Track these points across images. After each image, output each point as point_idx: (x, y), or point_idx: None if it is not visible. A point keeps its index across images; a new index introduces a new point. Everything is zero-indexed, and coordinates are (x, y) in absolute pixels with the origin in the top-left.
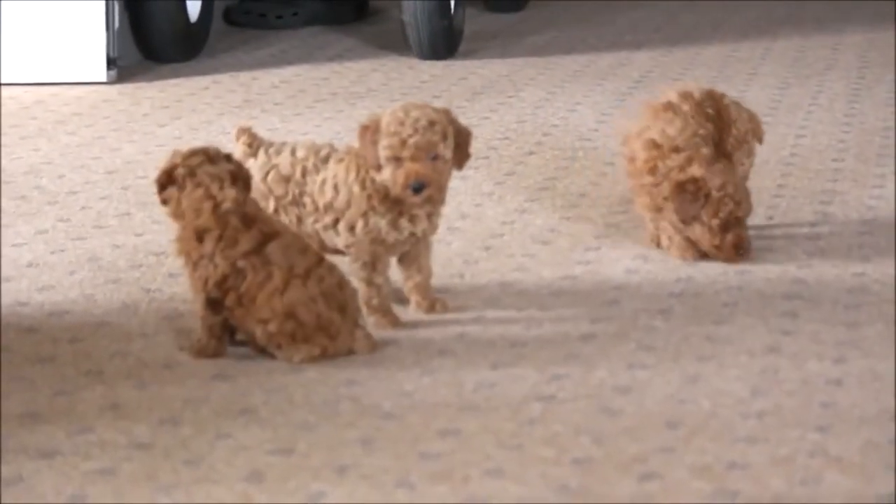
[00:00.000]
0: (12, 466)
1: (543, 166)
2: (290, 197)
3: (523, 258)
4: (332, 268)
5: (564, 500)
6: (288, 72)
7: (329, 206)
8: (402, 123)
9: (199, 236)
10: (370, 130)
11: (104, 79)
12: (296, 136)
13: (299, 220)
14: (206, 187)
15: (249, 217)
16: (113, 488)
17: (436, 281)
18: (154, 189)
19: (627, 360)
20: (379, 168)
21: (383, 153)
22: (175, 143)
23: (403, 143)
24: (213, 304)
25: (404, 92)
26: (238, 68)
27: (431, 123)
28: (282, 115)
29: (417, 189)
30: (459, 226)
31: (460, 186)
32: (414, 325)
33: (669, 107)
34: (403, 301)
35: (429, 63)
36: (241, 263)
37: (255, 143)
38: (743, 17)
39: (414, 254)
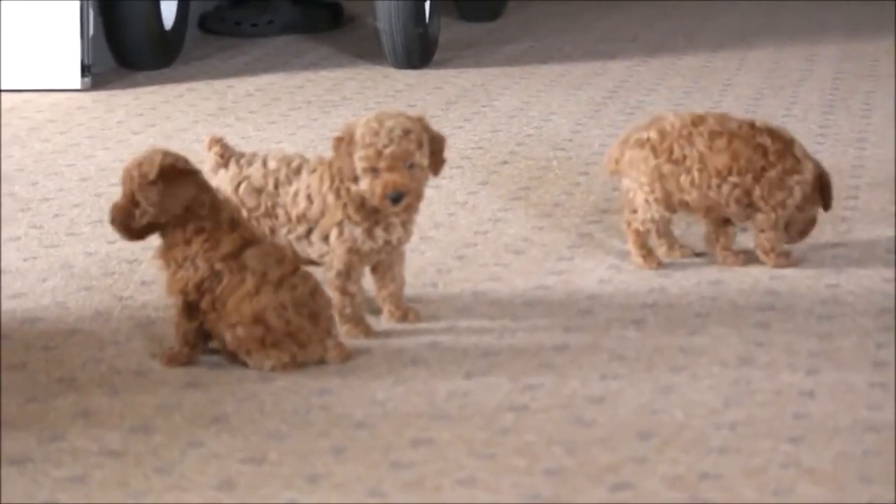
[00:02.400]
0: None
1: (517, 176)
2: (262, 209)
3: (496, 268)
4: (307, 277)
5: None
6: (263, 80)
7: (302, 217)
8: (376, 134)
9: (189, 238)
10: (344, 142)
11: (78, 86)
12: (270, 144)
13: (272, 231)
14: (211, 190)
15: (234, 221)
16: (84, 496)
17: (409, 290)
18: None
19: (600, 371)
20: (356, 179)
21: (359, 164)
22: None
23: (379, 153)
24: (190, 310)
25: (379, 100)
26: (213, 76)
27: (406, 132)
28: (256, 122)
29: (396, 199)
30: (433, 235)
31: (434, 196)
32: (386, 334)
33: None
34: (376, 311)
35: (403, 72)
36: (218, 266)
37: (226, 154)
38: (719, 28)
39: (387, 263)
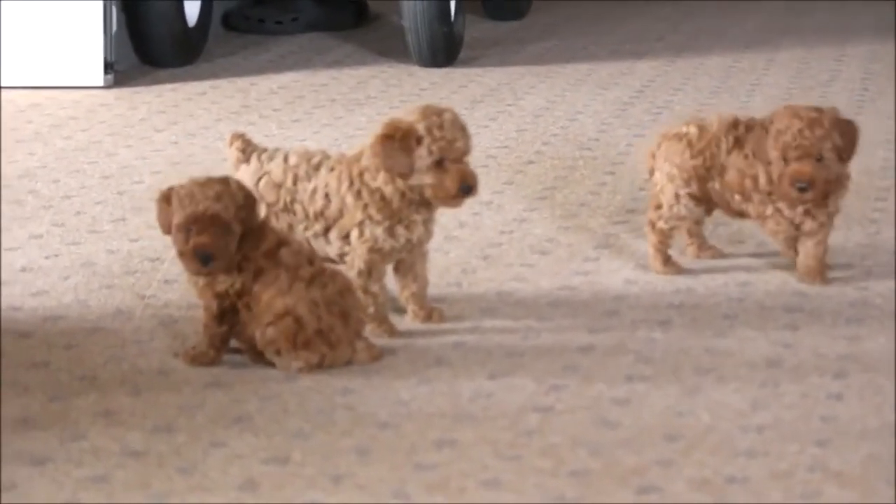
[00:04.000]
0: (5, 473)
1: (543, 175)
2: (281, 204)
3: (521, 268)
4: (336, 276)
5: None
6: (286, 77)
7: (319, 215)
8: (441, 127)
9: (239, 242)
10: (399, 138)
11: (101, 83)
12: (293, 142)
13: (290, 227)
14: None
15: (266, 223)
16: (106, 496)
17: (433, 290)
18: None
19: (626, 372)
20: (409, 176)
21: (428, 158)
22: (172, 148)
23: (451, 145)
24: (223, 314)
25: (403, 99)
26: (236, 74)
27: (464, 126)
28: (280, 121)
29: (467, 191)
30: (458, 235)
31: None
32: (410, 334)
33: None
34: (400, 310)
35: (428, 70)
36: (261, 263)
37: (247, 149)
38: (746, 27)
39: (409, 262)
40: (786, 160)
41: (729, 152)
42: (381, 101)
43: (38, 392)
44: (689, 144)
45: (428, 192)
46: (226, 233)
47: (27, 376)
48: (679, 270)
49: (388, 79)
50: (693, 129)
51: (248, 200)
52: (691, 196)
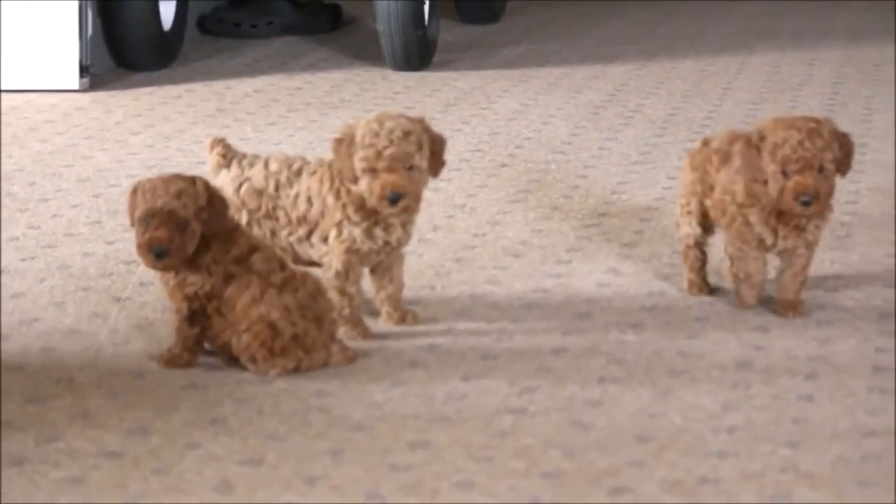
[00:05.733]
0: None
1: (516, 179)
2: (263, 210)
3: (495, 270)
4: (307, 280)
5: None
6: (261, 81)
7: (303, 219)
8: (376, 135)
9: (208, 244)
10: (345, 143)
11: (77, 86)
12: (268, 145)
13: (273, 233)
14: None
15: (239, 227)
16: (83, 497)
17: (407, 292)
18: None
19: (598, 374)
20: (355, 180)
21: (359, 165)
22: (147, 151)
23: (379, 154)
24: (193, 316)
25: (377, 102)
26: (211, 77)
27: (406, 134)
28: (255, 124)
29: (394, 200)
30: (431, 237)
31: (433, 198)
32: (384, 336)
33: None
34: (375, 312)
35: (402, 74)
36: (231, 269)
37: (228, 155)
38: (719, 32)
39: (386, 264)
40: (785, 173)
41: (718, 170)
42: (356, 105)
43: (14, 394)
44: (691, 159)
45: (366, 198)
46: (182, 230)
47: (4, 379)
48: (710, 292)
49: (363, 82)
50: (698, 145)
51: (214, 202)
52: (690, 214)
